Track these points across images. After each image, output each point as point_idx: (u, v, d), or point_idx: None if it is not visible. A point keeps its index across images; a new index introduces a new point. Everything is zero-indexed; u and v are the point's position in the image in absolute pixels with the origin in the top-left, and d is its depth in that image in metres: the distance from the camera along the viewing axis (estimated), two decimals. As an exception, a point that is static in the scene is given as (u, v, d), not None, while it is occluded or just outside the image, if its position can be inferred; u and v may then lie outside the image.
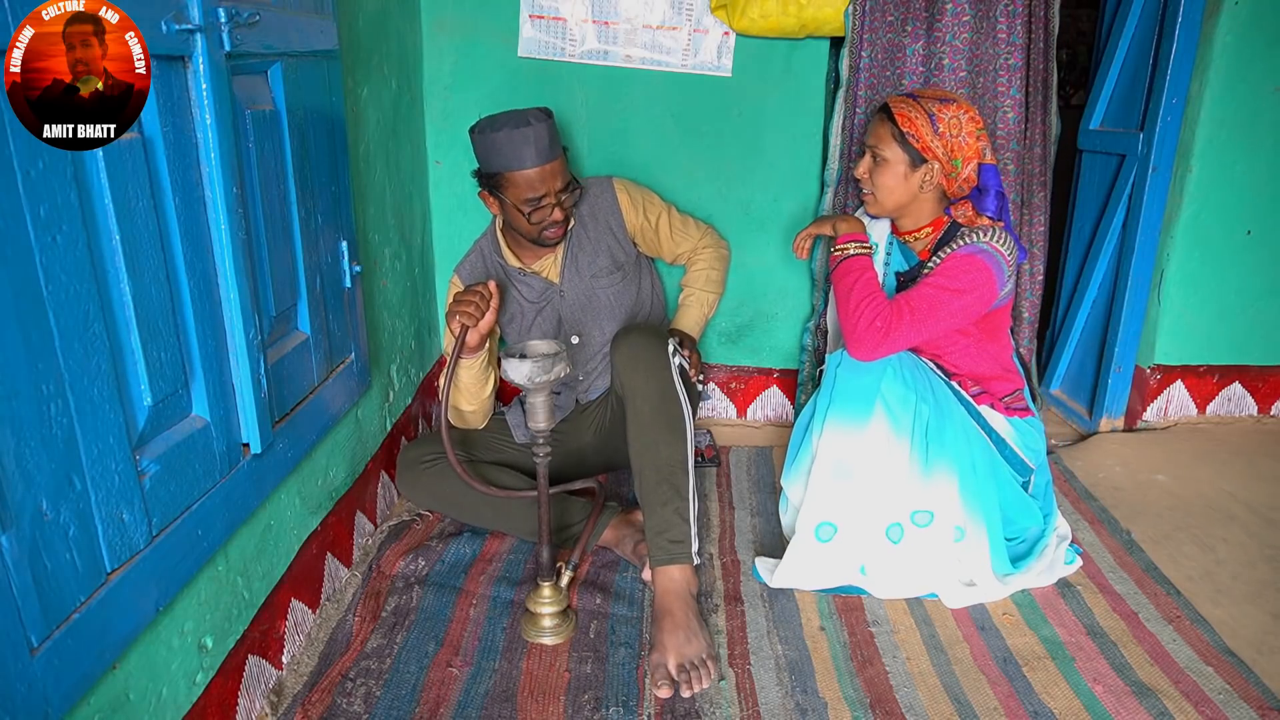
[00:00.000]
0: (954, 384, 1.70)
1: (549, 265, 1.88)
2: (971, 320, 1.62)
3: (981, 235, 1.58)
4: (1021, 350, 2.19)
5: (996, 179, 1.62)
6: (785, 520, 1.76)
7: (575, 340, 1.93)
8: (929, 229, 1.69)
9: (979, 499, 1.62)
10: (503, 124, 1.65)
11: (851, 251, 1.65)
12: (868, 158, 1.67)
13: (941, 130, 1.58)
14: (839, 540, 1.62)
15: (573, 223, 1.83)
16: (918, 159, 1.60)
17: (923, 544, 1.62)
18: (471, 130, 1.71)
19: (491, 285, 1.59)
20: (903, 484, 1.59)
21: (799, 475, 1.68)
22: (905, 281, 1.73)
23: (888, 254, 1.80)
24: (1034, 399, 1.83)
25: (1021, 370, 1.79)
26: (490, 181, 1.72)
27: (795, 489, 1.70)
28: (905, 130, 1.59)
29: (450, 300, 1.84)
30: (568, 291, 1.88)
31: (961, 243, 1.59)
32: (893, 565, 1.64)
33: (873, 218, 1.80)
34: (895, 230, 1.75)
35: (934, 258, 1.63)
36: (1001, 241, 1.57)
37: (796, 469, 1.69)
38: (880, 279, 1.80)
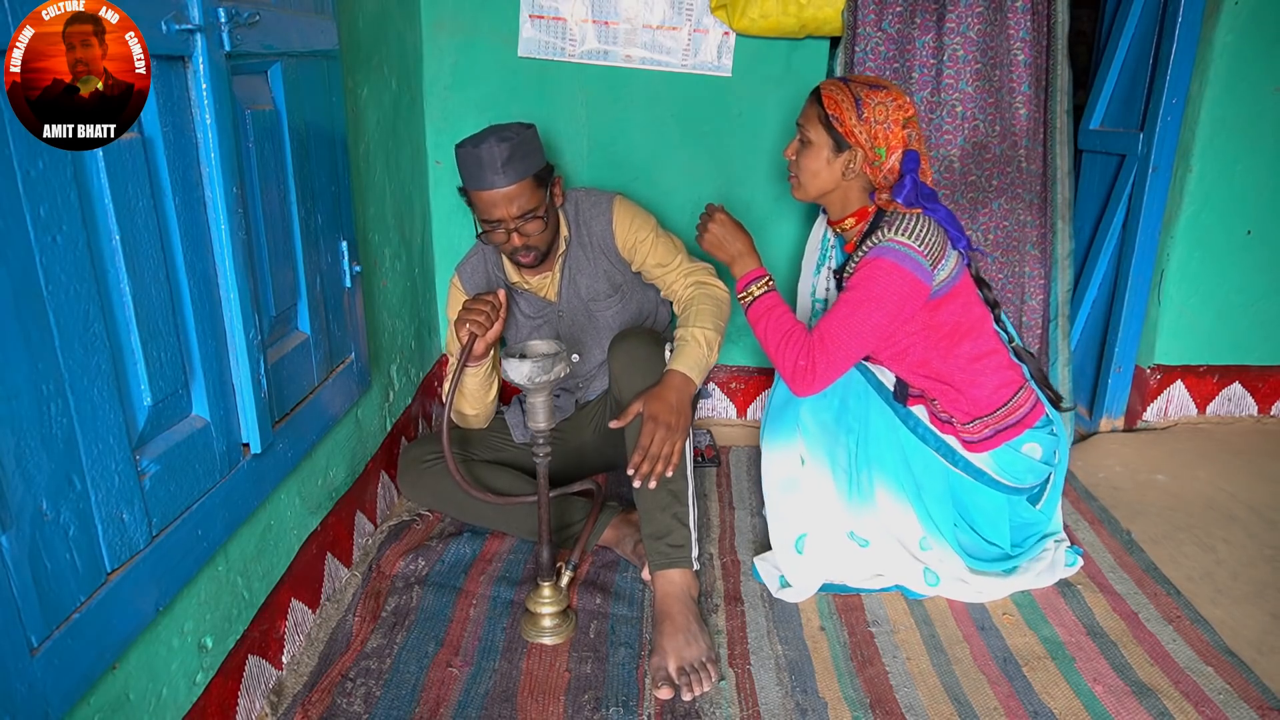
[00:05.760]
0: (908, 409, 1.62)
1: (547, 284, 1.84)
2: (907, 322, 1.53)
3: (887, 231, 1.49)
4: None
5: (914, 164, 1.52)
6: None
7: (575, 358, 1.92)
8: (853, 219, 1.60)
9: (935, 521, 1.63)
10: (473, 139, 1.59)
11: (756, 294, 1.58)
12: (796, 139, 1.61)
13: (866, 116, 1.50)
14: (812, 545, 1.64)
15: (564, 247, 1.78)
16: (841, 144, 1.53)
17: (878, 554, 1.65)
18: None
19: (501, 295, 1.59)
20: (837, 505, 1.63)
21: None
22: (840, 279, 1.68)
23: (829, 251, 1.78)
24: (1055, 405, 1.69)
25: (1033, 382, 1.67)
26: (462, 194, 1.69)
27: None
28: (830, 113, 1.53)
29: (451, 304, 1.84)
30: (566, 312, 1.85)
31: (870, 244, 1.52)
32: (867, 567, 1.68)
33: (829, 219, 1.74)
34: (830, 222, 1.68)
35: (858, 251, 1.57)
36: (909, 232, 1.47)
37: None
38: (825, 284, 1.77)
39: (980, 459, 1.62)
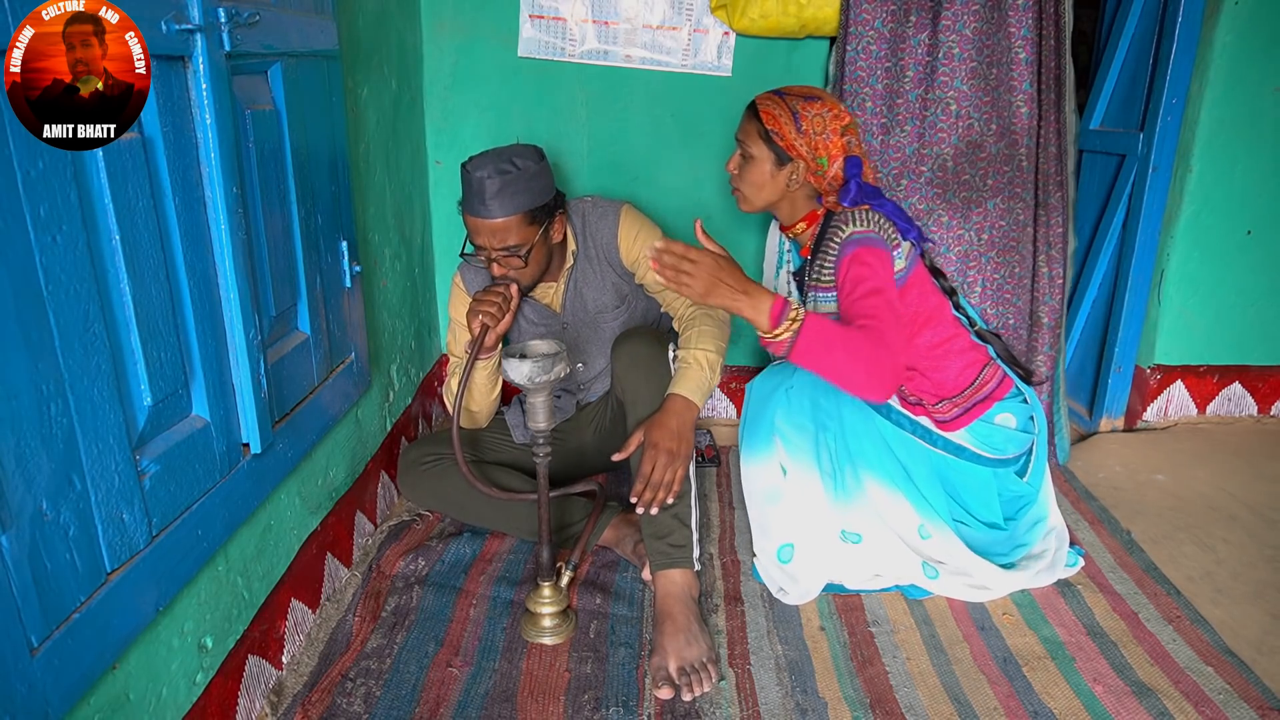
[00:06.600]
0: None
1: (552, 294, 1.82)
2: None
3: (844, 227, 1.52)
4: (1041, 356, 2.15)
5: (857, 169, 1.55)
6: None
7: (580, 367, 1.92)
8: (804, 223, 1.63)
9: (930, 503, 1.63)
10: (477, 160, 1.55)
11: (796, 327, 1.35)
12: (737, 154, 1.61)
13: (805, 129, 1.53)
14: (801, 554, 1.65)
15: (570, 261, 1.77)
16: (783, 157, 1.55)
17: (873, 549, 1.65)
18: None
19: (513, 287, 1.59)
20: (825, 507, 1.63)
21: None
22: (800, 282, 1.69)
23: (786, 255, 1.77)
24: (1028, 380, 1.74)
25: (999, 360, 1.70)
26: (459, 207, 1.66)
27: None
28: (770, 128, 1.54)
29: (454, 303, 1.83)
30: (571, 323, 1.84)
31: (835, 243, 1.52)
32: (865, 566, 1.68)
33: (781, 226, 1.73)
34: (782, 228, 1.69)
35: (818, 253, 1.58)
36: (864, 222, 1.51)
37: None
38: (786, 287, 1.78)
39: (958, 435, 1.65)
